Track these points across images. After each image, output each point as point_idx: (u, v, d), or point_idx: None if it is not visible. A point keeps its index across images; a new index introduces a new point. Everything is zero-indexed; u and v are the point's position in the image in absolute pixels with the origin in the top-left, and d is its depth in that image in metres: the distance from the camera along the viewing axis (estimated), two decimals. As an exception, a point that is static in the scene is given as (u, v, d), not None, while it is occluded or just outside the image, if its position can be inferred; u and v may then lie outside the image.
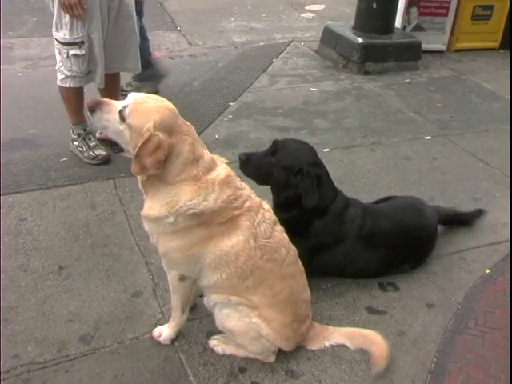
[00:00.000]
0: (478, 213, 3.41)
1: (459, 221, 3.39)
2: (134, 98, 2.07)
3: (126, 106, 2.03)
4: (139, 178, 2.15)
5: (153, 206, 2.12)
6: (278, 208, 2.66)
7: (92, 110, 2.08)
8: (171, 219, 2.09)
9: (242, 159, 2.72)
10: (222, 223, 2.14)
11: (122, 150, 2.16)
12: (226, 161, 2.26)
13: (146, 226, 2.25)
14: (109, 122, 2.07)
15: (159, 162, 2.01)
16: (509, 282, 2.93)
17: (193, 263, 2.20)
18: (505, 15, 6.68)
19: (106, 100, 2.12)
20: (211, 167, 2.14)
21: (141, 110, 2.02)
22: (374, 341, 2.44)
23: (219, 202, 2.10)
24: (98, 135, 2.19)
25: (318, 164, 2.73)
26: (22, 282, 2.78)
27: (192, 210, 2.07)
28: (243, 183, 2.27)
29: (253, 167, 2.72)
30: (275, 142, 2.77)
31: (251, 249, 2.18)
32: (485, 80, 5.92)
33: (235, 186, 2.18)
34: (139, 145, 1.99)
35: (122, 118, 2.03)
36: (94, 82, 3.69)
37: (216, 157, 2.23)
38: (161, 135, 1.99)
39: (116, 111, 2.05)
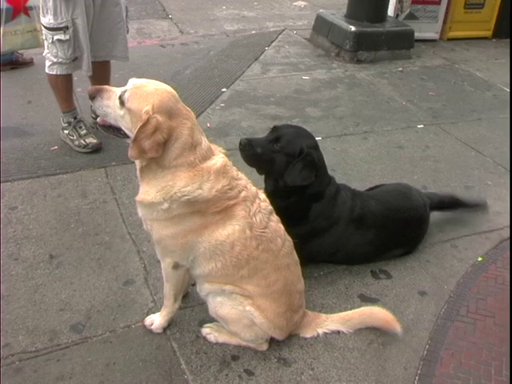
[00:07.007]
0: (479, 204, 3.41)
1: (457, 205, 3.32)
2: (133, 82, 2.08)
3: (125, 91, 2.05)
4: (138, 163, 2.13)
5: (149, 191, 2.11)
6: (275, 196, 2.59)
7: (92, 96, 2.10)
8: (165, 205, 2.08)
9: (244, 144, 2.67)
10: (216, 212, 2.13)
11: (126, 136, 2.14)
12: (223, 150, 2.24)
13: (140, 212, 2.23)
14: (109, 108, 2.09)
15: (158, 145, 2.00)
16: (501, 270, 2.95)
17: (187, 251, 2.19)
18: (497, 4, 6.68)
19: (106, 87, 2.13)
20: (208, 155, 2.13)
21: (139, 94, 2.02)
22: (374, 314, 2.48)
23: (213, 192, 2.09)
24: (100, 122, 2.19)
25: (316, 147, 2.75)
26: (12, 271, 2.76)
27: (186, 197, 2.06)
28: (240, 173, 2.25)
29: (254, 153, 2.68)
30: (276, 129, 2.75)
31: (247, 238, 2.17)
32: (477, 69, 5.92)
33: (231, 176, 2.17)
34: (137, 127, 1.99)
35: (122, 103, 2.04)
36: (81, 69, 3.66)
37: (214, 146, 2.22)
38: (159, 117, 1.99)
39: (116, 97, 2.07)
